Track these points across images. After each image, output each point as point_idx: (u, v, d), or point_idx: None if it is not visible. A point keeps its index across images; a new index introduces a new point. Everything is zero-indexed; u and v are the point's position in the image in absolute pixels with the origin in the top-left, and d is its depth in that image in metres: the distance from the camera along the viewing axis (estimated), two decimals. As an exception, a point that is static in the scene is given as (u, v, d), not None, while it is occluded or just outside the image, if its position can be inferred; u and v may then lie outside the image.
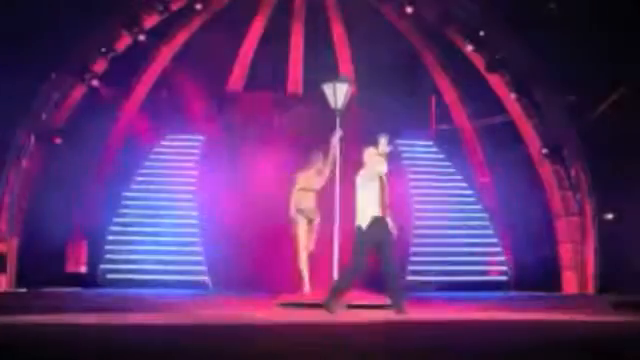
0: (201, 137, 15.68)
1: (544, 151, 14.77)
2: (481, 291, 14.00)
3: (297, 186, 9.36)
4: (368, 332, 6.08)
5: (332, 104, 9.45)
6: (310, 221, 9.36)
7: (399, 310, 7.58)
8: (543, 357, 4.59)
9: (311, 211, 9.35)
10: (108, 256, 14.38)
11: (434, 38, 16.05)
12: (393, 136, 15.69)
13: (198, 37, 15.83)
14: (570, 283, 14.43)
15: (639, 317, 7.57)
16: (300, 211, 9.28)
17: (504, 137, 15.60)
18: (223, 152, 14.92)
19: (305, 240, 9.41)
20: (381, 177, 7.93)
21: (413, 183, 15.63)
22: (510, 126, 15.44)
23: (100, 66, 14.68)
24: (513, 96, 14.94)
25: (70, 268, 14.81)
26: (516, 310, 8.89)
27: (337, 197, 9.15)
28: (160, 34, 15.51)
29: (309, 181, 9.45)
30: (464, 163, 16.27)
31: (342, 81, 9.73)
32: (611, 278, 13.66)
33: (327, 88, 9.55)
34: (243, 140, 14.92)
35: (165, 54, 15.85)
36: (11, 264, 13.70)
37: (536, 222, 14.76)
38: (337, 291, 7.73)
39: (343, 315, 7.55)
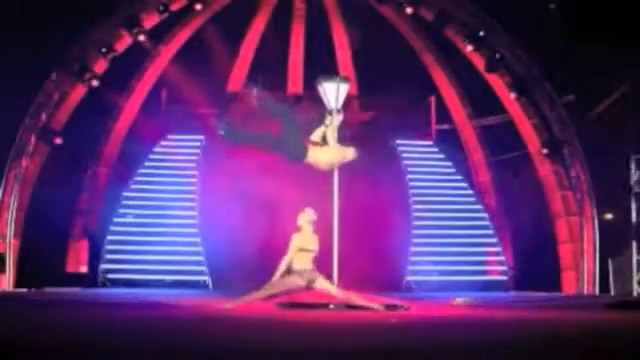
0: (201, 137, 15.67)
1: (544, 151, 14.77)
2: (481, 291, 13.97)
3: (293, 248, 7.88)
4: (367, 333, 6.09)
5: (327, 104, 8.72)
6: (310, 282, 7.87)
7: None
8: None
9: (308, 272, 7.89)
10: (108, 256, 14.35)
11: (434, 38, 16.04)
12: (393, 136, 15.99)
13: (198, 37, 15.84)
14: (570, 283, 14.42)
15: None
16: (297, 272, 7.88)
17: (504, 137, 15.59)
18: (223, 152, 14.90)
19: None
20: None
21: (413, 183, 15.60)
22: (510, 126, 15.44)
23: (100, 66, 14.70)
24: (513, 96, 14.93)
25: (70, 268, 14.83)
26: (514, 310, 8.89)
27: (336, 201, 9.05)
28: (160, 34, 15.53)
29: (306, 242, 7.99)
30: (464, 163, 16.26)
31: (337, 80, 9.00)
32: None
33: (321, 87, 8.82)
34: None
35: (165, 54, 15.86)
36: (11, 264, 13.72)
37: (536, 222, 14.75)
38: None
39: (343, 316, 7.56)
